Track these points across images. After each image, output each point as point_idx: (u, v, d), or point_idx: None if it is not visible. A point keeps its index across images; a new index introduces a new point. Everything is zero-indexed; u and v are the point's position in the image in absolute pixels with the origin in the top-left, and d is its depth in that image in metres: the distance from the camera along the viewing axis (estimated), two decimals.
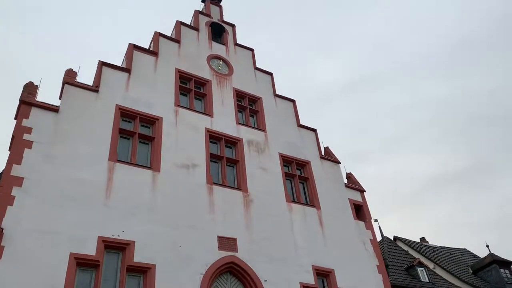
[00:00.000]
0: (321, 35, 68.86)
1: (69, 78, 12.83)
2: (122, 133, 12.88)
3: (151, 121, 13.63)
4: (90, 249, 10.01)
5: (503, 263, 24.86)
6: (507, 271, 24.59)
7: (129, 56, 14.90)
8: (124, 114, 13.24)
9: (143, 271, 10.52)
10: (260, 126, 16.53)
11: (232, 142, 15.17)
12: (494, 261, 24.67)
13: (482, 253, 28.44)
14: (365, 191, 17.23)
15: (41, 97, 11.98)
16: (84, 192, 10.82)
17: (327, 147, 18.09)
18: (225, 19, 20.26)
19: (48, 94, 13.35)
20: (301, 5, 67.06)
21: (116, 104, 13.11)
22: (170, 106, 14.34)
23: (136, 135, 13.01)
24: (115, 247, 10.52)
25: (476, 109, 63.14)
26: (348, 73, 68.74)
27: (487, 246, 26.31)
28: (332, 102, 70.16)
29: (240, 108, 16.73)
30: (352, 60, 69.51)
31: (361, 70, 67.90)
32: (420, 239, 29.06)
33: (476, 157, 64.38)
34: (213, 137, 14.74)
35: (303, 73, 68.07)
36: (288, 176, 15.74)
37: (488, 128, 63.00)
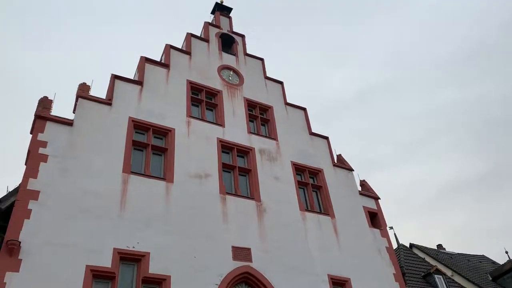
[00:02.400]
0: (335, 44, 68.80)
1: (83, 91, 13.03)
2: (136, 145, 13.00)
3: (163, 133, 13.74)
4: (105, 261, 10.06)
5: None
6: None
7: (141, 69, 15.08)
8: (137, 126, 13.37)
9: (159, 282, 10.53)
10: (271, 135, 16.53)
11: (244, 152, 15.19)
12: None
13: (501, 259, 27.87)
14: (379, 199, 17.05)
15: (55, 111, 12.19)
16: (99, 204, 10.91)
17: (340, 155, 17.97)
18: (236, 29, 20.43)
19: (63, 108, 13.56)
20: (314, 13, 67.33)
21: (129, 117, 13.26)
22: (182, 117, 14.45)
23: (149, 146, 13.12)
24: (131, 259, 10.56)
25: (491, 115, 62.22)
26: (362, 81, 68.25)
27: (506, 252, 25.71)
28: (346, 110, 69.76)
29: (251, 118, 16.78)
30: (366, 68, 69.09)
31: (375, 78, 67.44)
32: (437, 246, 28.52)
33: (492, 163, 63.25)
34: (225, 146, 14.79)
35: (317, 81, 68.02)
36: (301, 185, 15.67)
37: (504, 133, 61.96)
